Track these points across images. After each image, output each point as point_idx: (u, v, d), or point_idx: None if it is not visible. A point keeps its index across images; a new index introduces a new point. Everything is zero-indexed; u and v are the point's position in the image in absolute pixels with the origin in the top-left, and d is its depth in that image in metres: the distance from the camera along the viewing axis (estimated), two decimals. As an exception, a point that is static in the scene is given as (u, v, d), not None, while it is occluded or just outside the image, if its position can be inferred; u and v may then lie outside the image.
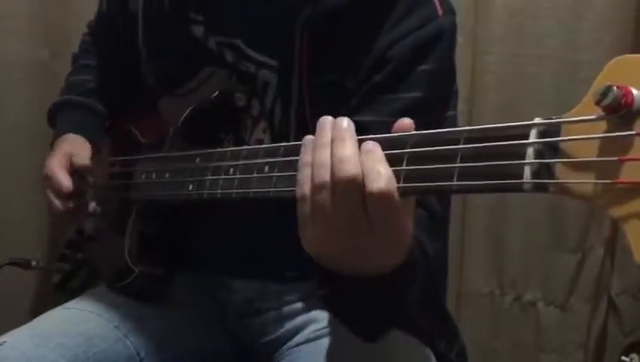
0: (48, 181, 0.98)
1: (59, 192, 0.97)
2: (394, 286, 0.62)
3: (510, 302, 1.48)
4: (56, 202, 0.97)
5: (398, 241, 0.58)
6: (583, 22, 1.35)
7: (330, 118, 0.58)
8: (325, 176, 0.55)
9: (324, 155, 0.56)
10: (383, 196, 0.53)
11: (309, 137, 0.59)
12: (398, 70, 0.80)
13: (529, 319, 1.47)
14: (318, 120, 0.81)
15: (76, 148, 1.01)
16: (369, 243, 0.57)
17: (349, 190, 0.54)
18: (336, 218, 0.56)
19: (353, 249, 0.58)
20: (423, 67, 0.81)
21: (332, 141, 0.56)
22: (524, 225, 1.44)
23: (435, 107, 0.83)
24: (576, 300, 1.46)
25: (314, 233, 0.58)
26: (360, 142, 0.57)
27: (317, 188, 0.56)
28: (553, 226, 1.43)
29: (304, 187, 0.57)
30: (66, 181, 0.96)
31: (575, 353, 1.47)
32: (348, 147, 0.55)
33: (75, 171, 0.98)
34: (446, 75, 0.86)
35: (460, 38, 0.88)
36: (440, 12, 0.82)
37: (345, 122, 0.57)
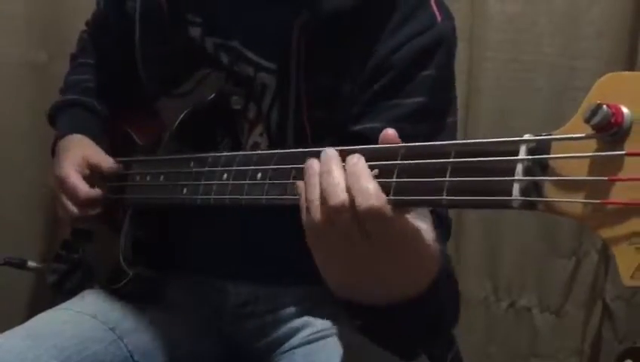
0: (62, 184, 0.94)
1: (75, 198, 0.93)
2: (430, 303, 0.62)
3: (505, 308, 1.48)
4: (71, 208, 0.93)
5: (410, 256, 0.58)
6: (579, 29, 1.35)
7: (315, 160, 0.59)
8: (316, 214, 0.57)
9: (315, 194, 0.58)
10: (373, 212, 0.54)
11: (300, 183, 0.60)
12: (399, 76, 0.80)
13: (524, 324, 1.48)
14: (315, 124, 0.82)
15: (90, 150, 0.97)
16: (379, 263, 0.58)
17: (343, 213, 0.55)
18: (337, 245, 0.57)
19: (368, 272, 0.59)
20: (425, 73, 0.81)
21: (320, 174, 0.58)
22: (518, 231, 1.44)
23: (436, 112, 0.83)
24: (570, 306, 1.46)
25: (331, 268, 0.60)
26: (347, 153, 0.57)
27: (312, 226, 0.58)
28: (548, 232, 1.43)
29: (308, 232, 0.59)
30: (82, 186, 0.92)
31: (570, 358, 1.47)
32: (334, 175, 0.56)
33: (92, 175, 0.95)
34: (447, 80, 0.86)
35: (457, 44, 0.88)
36: (439, 18, 0.83)
37: (329, 151, 0.58)
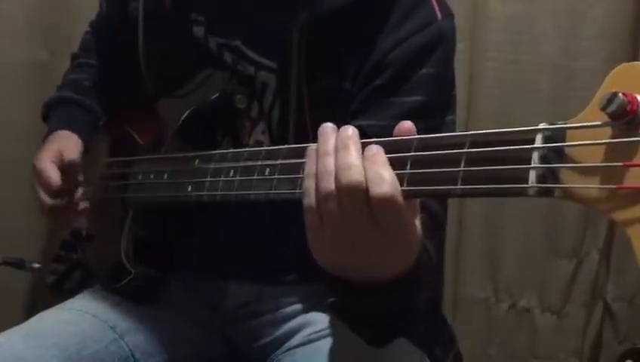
0: (37, 175, 0.96)
1: (47, 187, 0.95)
2: (405, 291, 0.62)
3: (506, 309, 1.48)
4: (43, 197, 0.96)
5: (408, 245, 0.58)
6: (580, 29, 1.35)
7: (331, 125, 0.59)
8: (330, 184, 0.55)
9: (329, 164, 0.56)
10: (386, 200, 0.54)
11: (312, 147, 0.59)
12: (399, 74, 0.80)
13: (524, 325, 1.47)
14: (316, 123, 0.81)
15: (66, 144, 1.00)
16: (379, 249, 0.57)
17: (354, 196, 0.54)
18: (344, 225, 0.56)
19: (364, 256, 0.58)
20: (424, 70, 0.81)
21: (336, 149, 0.56)
22: (519, 232, 1.44)
23: (435, 111, 0.83)
24: (571, 306, 1.46)
25: (323, 242, 0.58)
26: (364, 145, 0.57)
27: (323, 196, 0.56)
28: (549, 232, 1.43)
29: (310, 197, 0.57)
30: (54, 176, 0.94)
31: (570, 359, 1.47)
32: (351, 154, 0.55)
33: (64, 167, 0.97)
34: (446, 78, 0.86)
35: (458, 44, 0.88)
36: (439, 15, 0.83)
37: (350, 130, 0.58)
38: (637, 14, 1.34)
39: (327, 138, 0.57)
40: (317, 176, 0.56)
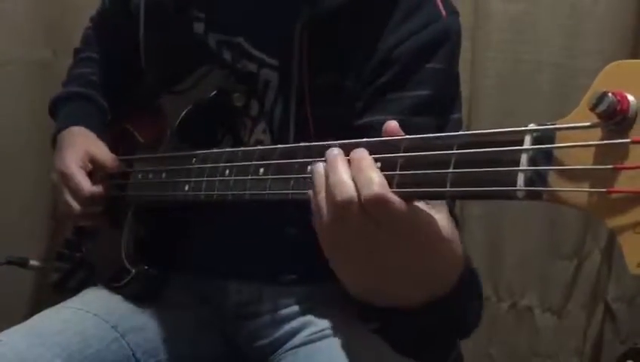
0: (66, 181, 0.93)
1: (77, 193, 0.92)
2: (453, 305, 0.61)
3: (506, 308, 1.48)
4: (73, 204, 0.93)
5: (424, 248, 0.57)
6: (582, 28, 1.34)
7: (321, 164, 0.59)
8: (327, 214, 0.56)
9: (322, 201, 0.57)
10: (378, 200, 0.53)
11: (310, 191, 0.60)
12: (405, 69, 0.80)
13: (525, 325, 1.47)
14: (318, 121, 0.82)
15: (94, 146, 0.96)
16: (395, 256, 0.56)
17: (349, 206, 0.54)
18: (352, 242, 0.56)
19: (387, 268, 0.57)
20: (431, 65, 0.81)
21: (326, 171, 0.57)
22: (520, 231, 1.44)
23: (442, 106, 0.83)
24: (572, 306, 1.45)
25: (349, 270, 0.59)
26: (351, 147, 0.57)
27: (325, 228, 0.57)
28: (550, 232, 1.43)
29: (321, 234, 0.58)
30: (85, 183, 0.92)
31: (571, 359, 1.46)
32: (339, 171, 0.56)
33: (93, 172, 0.94)
34: (452, 74, 0.86)
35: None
36: (443, 12, 0.83)
37: (335, 151, 0.58)
38: (639, 13, 1.33)
39: (319, 178, 0.58)
40: (318, 213, 0.57)
